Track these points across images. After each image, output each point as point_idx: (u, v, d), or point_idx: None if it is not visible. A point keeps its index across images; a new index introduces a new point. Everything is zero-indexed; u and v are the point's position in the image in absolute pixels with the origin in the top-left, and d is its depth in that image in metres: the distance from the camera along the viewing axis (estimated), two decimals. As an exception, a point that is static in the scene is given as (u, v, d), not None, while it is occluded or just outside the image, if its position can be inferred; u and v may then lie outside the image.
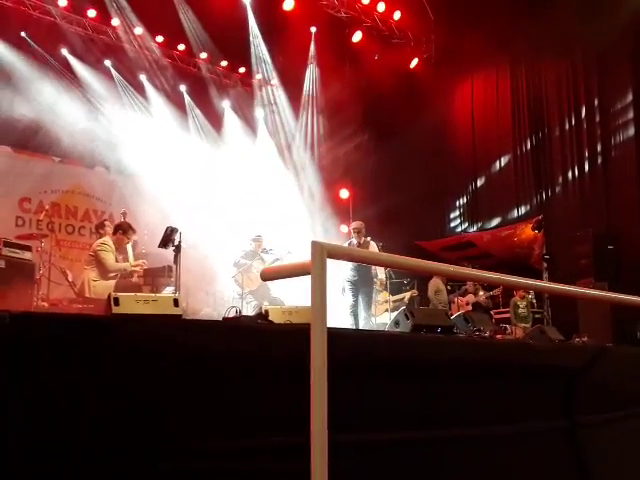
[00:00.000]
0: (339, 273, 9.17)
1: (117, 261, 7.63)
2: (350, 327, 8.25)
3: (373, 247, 9.22)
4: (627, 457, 4.14)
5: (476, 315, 7.78)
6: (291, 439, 2.29)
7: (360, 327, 8.76)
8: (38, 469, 2.10)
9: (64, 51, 12.49)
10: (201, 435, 2.43)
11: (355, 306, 9.14)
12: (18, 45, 11.70)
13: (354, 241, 9.24)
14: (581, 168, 12.28)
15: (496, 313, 11.57)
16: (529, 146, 13.40)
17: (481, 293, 11.56)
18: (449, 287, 11.71)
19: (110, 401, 2.27)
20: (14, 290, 6.34)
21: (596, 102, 12.07)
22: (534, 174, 13.26)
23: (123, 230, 7.89)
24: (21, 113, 11.27)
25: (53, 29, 12.24)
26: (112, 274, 7.43)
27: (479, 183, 14.44)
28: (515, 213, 13.60)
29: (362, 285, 9.19)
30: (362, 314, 9.27)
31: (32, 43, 11.96)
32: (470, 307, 11.18)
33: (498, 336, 7.34)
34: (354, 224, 9.59)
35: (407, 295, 11.17)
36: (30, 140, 11.63)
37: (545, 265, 11.47)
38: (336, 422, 1.86)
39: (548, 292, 9.28)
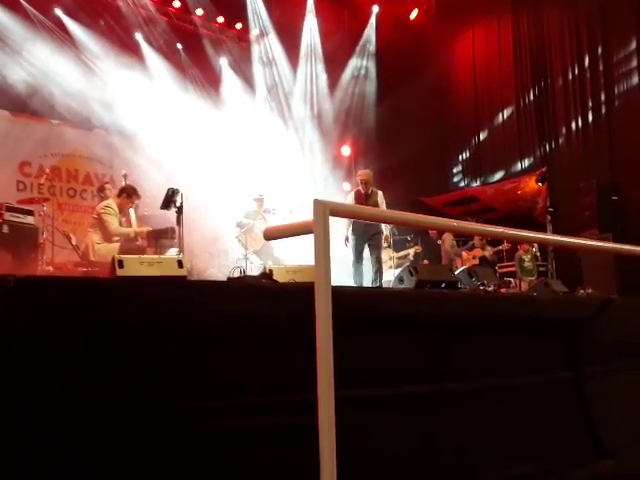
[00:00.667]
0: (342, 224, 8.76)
1: (121, 224, 7.61)
2: (353, 285, 8.21)
3: (381, 197, 8.79)
4: (633, 407, 4.18)
5: (480, 269, 7.79)
6: (299, 396, 2.31)
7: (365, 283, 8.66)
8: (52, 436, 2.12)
9: (58, 11, 12.25)
10: (212, 394, 2.46)
11: (359, 261, 8.72)
12: (11, 6, 11.49)
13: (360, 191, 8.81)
14: (585, 119, 12.15)
15: (500, 267, 11.59)
16: (532, 97, 13.25)
17: (488, 248, 11.56)
18: (455, 242, 11.73)
19: (118, 362, 2.29)
20: (18, 254, 6.35)
21: (599, 50, 11.88)
22: (537, 126, 13.13)
23: (127, 194, 7.83)
24: (17, 76, 11.15)
25: (45, -11, 12.00)
26: (116, 237, 7.43)
27: (482, 137, 14.33)
28: (518, 166, 13.51)
29: (368, 237, 8.66)
30: (369, 271, 8.84)
31: (25, 4, 11.74)
32: (477, 261, 11.19)
33: (502, 290, 7.38)
34: (360, 173, 9.19)
35: (411, 251, 11.18)
36: (28, 103, 11.51)
37: (549, 218, 11.45)
38: (343, 379, 1.87)
39: (552, 245, 9.28)
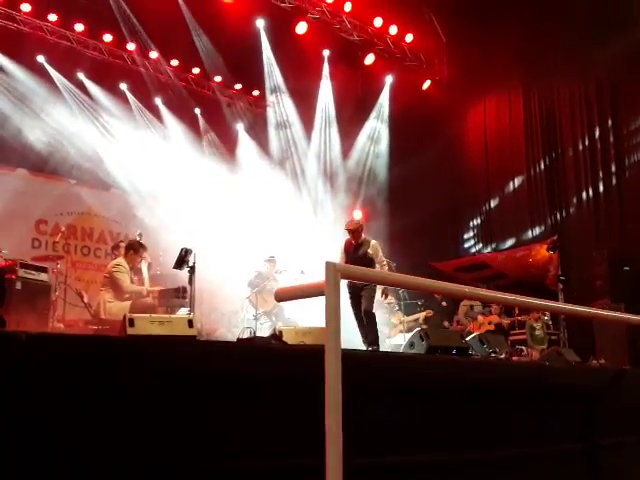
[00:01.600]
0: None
1: (132, 282, 7.63)
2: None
3: (374, 247, 8.14)
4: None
5: (492, 337, 7.72)
6: (306, 460, 2.28)
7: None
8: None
9: (80, 75, 12.67)
10: (214, 455, 2.43)
11: (358, 317, 7.95)
12: (35, 70, 11.88)
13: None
14: (595, 189, 12.22)
15: (512, 334, 11.46)
16: (542, 167, 13.36)
17: (505, 316, 11.47)
18: (470, 306, 11.64)
19: (126, 421, 2.28)
20: (30, 311, 6.37)
21: (609, 123, 12.04)
22: (548, 195, 13.20)
23: (134, 249, 7.83)
24: (37, 136, 11.43)
25: (69, 53, 12.43)
26: (127, 295, 7.45)
27: (493, 204, 14.40)
28: (530, 234, 13.53)
29: (360, 289, 7.86)
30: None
31: (49, 67, 12.14)
32: (492, 327, 11.08)
33: (514, 358, 7.29)
34: (348, 222, 8.54)
35: (422, 315, 11.09)
36: (46, 163, 11.76)
37: (561, 286, 11.38)
38: (351, 444, 1.85)
39: (564, 313, 9.21)
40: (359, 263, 7.33)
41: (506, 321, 11.31)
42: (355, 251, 8.10)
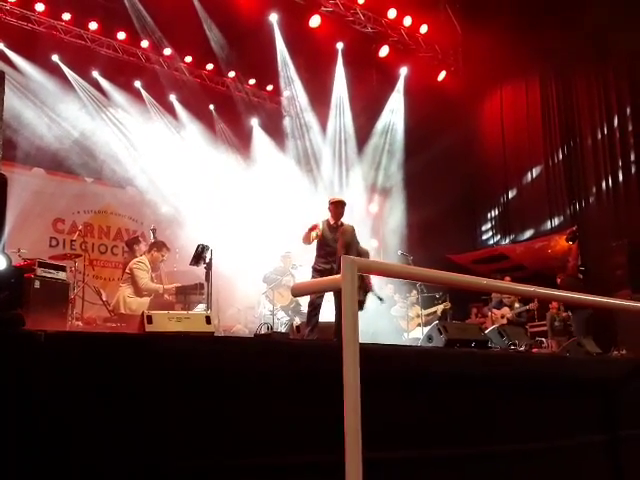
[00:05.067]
0: None
1: (152, 280, 7.73)
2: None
3: (348, 230, 7.18)
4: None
5: (511, 329, 7.66)
6: (326, 457, 2.26)
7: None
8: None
9: (95, 74, 12.73)
10: (237, 452, 2.42)
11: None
12: (50, 69, 11.96)
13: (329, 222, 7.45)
14: (615, 177, 12.09)
15: (531, 326, 11.38)
16: (561, 156, 13.24)
17: (517, 305, 11.40)
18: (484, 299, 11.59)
19: (143, 419, 2.27)
20: (49, 310, 6.41)
21: (628, 110, 11.89)
22: (567, 184, 13.08)
23: (157, 248, 8.03)
24: (53, 136, 11.51)
25: (84, 52, 12.48)
26: (145, 292, 7.53)
27: (510, 195, 14.30)
28: (548, 224, 13.41)
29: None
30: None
31: (63, 66, 12.21)
32: (505, 321, 11.01)
33: (534, 350, 7.23)
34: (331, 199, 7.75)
35: (440, 308, 11.05)
36: (62, 162, 11.84)
37: (580, 277, 11.25)
38: (370, 439, 1.83)
39: (584, 304, 9.10)
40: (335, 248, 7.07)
41: (512, 314, 11.23)
42: (332, 232, 7.33)
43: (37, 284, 6.50)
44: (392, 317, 11.38)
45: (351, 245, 7.07)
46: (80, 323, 7.46)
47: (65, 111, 11.82)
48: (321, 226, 7.36)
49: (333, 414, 1.84)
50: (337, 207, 7.52)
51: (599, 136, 12.40)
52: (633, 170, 11.76)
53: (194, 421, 2.36)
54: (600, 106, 12.44)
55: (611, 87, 12.27)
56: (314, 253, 7.48)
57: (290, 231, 11.91)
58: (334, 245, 7.15)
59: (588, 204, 12.65)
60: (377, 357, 2.78)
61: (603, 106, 12.38)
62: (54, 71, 12.03)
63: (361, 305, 6.74)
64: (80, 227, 11.11)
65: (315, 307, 6.99)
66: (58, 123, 11.64)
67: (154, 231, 8.81)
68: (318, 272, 7.20)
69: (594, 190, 12.50)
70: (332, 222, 7.42)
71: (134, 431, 2.24)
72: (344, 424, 1.74)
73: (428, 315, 10.97)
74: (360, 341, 1.82)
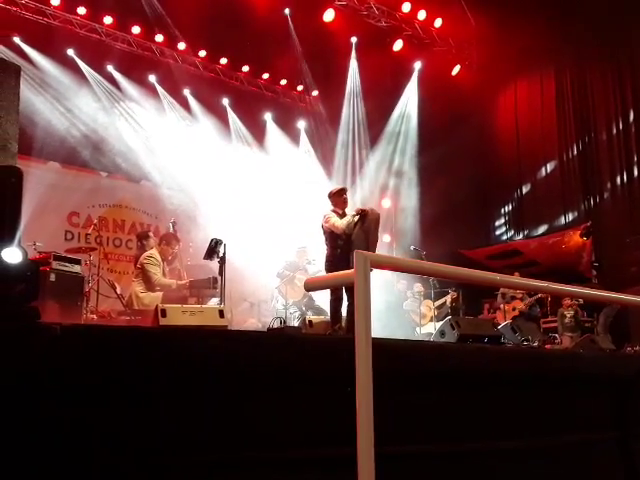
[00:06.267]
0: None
1: (164, 274, 7.71)
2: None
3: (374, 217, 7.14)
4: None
5: (524, 325, 7.65)
6: (339, 451, 2.28)
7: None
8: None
9: (110, 68, 12.78)
10: (248, 446, 2.44)
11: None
12: (65, 63, 12.02)
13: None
14: (630, 173, 12.00)
15: (544, 322, 11.34)
16: (575, 151, 13.16)
17: (527, 297, 11.40)
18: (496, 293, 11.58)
19: (159, 411, 2.29)
20: (64, 302, 6.46)
21: (644, 105, 11.80)
22: (581, 180, 13.00)
23: (167, 241, 7.96)
24: (68, 130, 11.58)
25: (99, 46, 12.54)
26: (158, 287, 7.52)
27: (524, 190, 14.23)
28: (562, 220, 13.34)
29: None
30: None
31: (78, 61, 12.27)
32: (517, 312, 10.99)
33: (547, 346, 7.21)
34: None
35: (448, 298, 11.01)
36: (77, 156, 11.90)
37: (594, 273, 11.21)
38: (383, 434, 1.84)
39: (598, 300, 9.06)
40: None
41: (523, 305, 11.19)
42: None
43: (52, 277, 6.55)
44: (405, 311, 11.38)
45: (371, 233, 7.02)
46: (95, 316, 7.49)
47: (80, 105, 11.88)
48: (332, 219, 7.22)
49: (346, 409, 1.85)
50: (341, 195, 7.45)
51: (614, 131, 12.31)
52: (649, 165, 11.68)
53: (210, 415, 2.38)
54: (615, 100, 12.34)
55: (627, 81, 12.17)
56: (326, 245, 7.31)
57: (304, 225, 11.95)
58: (347, 235, 7.08)
59: (602, 200, 12.57)
60: (390, 352, 2.78)
61: (619, 100, 12.28)
62: (69, 65, 12.08)
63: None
64: (95, 221, 11.15)
65: (338, 297, 6.79)
66: (73, 117, 11.70)
67: (174, 224, 8.74)
68: (333, 265, 7.01)
69: (609, 186, 12.41)
70: (340, 212, 7.33)
71: (149, 424, 2.26)
72: (356, 419, 1.75)
73: (438, 307, 10.95)
74: (373, 336, 1.83)
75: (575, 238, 12.57)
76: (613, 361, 4.43)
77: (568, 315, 10.74)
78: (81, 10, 12.10)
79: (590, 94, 12.90)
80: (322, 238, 7.40)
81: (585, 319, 11.07)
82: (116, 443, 2.20)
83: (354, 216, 7.14)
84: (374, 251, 7.23)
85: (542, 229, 13.78)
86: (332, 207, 7.44)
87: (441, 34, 14.12)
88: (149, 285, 7.47)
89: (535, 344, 6.56)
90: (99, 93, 12.46)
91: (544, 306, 11.52)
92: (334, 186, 8.46)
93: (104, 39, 12.66)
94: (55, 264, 6.70)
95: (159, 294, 7.38)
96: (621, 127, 12.17)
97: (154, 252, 7.76)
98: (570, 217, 13.20)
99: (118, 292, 8.27)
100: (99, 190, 12.59)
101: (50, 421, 2.08)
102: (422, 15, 13.53)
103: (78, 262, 7.17)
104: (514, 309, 11.17)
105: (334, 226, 7.12)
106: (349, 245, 6.95)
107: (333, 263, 7.05)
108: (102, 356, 2.23)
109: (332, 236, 7.20)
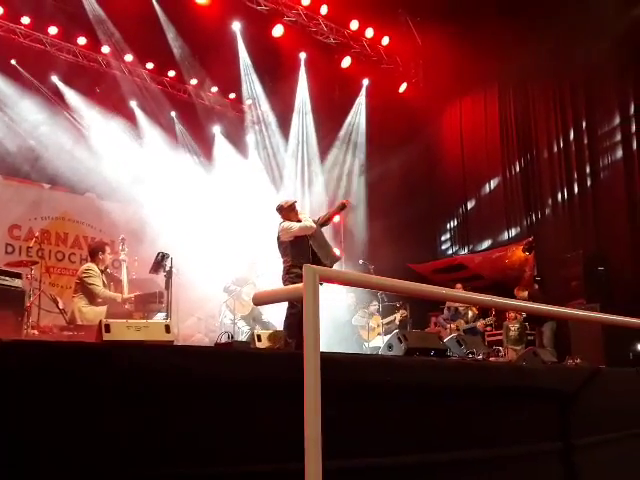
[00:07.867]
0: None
1: (106, 286, 7.50)
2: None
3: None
4: (623, 478, 4.11)
5: (469, 338, 7.78)
6: (286, 465, 2.26)
7: None
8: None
9: (54, 78, 12.55)
10: (196, 460, 2.40)
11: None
12: (8, 73, 11.76)
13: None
14: (570, 190, 12.34)
15: (489, 335, 11.55)
16: (518, 168, 13.49)
17: (470, 314, 11.64)
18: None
19: (103, 429, 2.24)
20: (4, 318, 6.27)
21: (584, 124, 12.17)
22: (523, 196, 13.33)
23: (100, 249, 7.64)
24: (10, 140, 11.30)
25: (43, 57, 12.32)
26: (101, 300, 7.34)
27: (469, 206, 14.52)
28: (506, 235, 13.65)
29: None
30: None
31: (22, 71, 12.01)
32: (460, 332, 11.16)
33: (491, 359, 7.33)
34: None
35: (397, 316, 11.12)
36: (20, 168, 11.63)
37: (536, 287, 11.47)
38: (330, 448, 1.84)
39: (540, 314, 9.28)
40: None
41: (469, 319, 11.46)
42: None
43: (-9, 292, 6.36)
44: (353, 327, 11.43)
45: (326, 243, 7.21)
46: (36, 332, 7.29)
47: (23, 116, 11.64)
48: (294, 225, 7.23)
49: (294, 423, 1.85)
50: (292, 208, 7.47)
51: (555, 149, 12.67)
52: (588, 183, 12.02)
53: (152, 431, 2.33)
54: (557, 119, 12.71)
55: (567, 101, 12.55)
56: (285, 257, 7.20)
57: (252, 239, 11.90)
58: (307, 243, 7.11)
59: (544, 215, 12.90)
60: (338, 366, 2.79)
61: (559, 120, 12.65)
62: (12, 75, 11.82)
63: None
64: (37, 234, 10.90)
65: (299, 310, 6.63)
66: (15, 128, 11.44)
67: (123, 241, 8.42)
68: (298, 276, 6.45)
69: (550, 202, 12.75)
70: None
71: (92, 443, 2.21)
72: (304, 433, 1.75)
73: (387, 324, 11.04)
74: (322, 350, 1.83)
75: (518, 253, 12.85)
76: (555, 373, 4.53)
77: (513, 328, 10.96)
78: (25, 20, 11.87)
79: (532, 113, 13.26)
80: (277, 252, 7.36)
81: (529, 332, 11.31)
82: (54, 464, 2.14)
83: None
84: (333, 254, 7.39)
85: (486, 244, 14.08)
86: (282, 220, 7.41)
87: (388, 52, 14.35)
88: (91, 298, 7.29)
89: (480, 357, 6.67)
90: (43, 104, 12.21)
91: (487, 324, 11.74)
92: (283, 199, 8.42)
93: (49, 49, 12.43)
94: (-6, 278, 6.50)
95: (103, 309, 7.22)
96: (562, 145, 12.53)
97: (91, 265, 7.55)
98: (513, 232, 13.51)
99: (60, 307, 8.04)
100: (41, 202, 12.31)
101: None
102: (370, 33, 13.72)
103: (19, 276, 6.99)
104: (457, 328, 11.35)
105: (303, 228, 7.10)
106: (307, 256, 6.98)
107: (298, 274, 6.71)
108: (44, 372, 2.17)
109: (295, 243, 7.14)
